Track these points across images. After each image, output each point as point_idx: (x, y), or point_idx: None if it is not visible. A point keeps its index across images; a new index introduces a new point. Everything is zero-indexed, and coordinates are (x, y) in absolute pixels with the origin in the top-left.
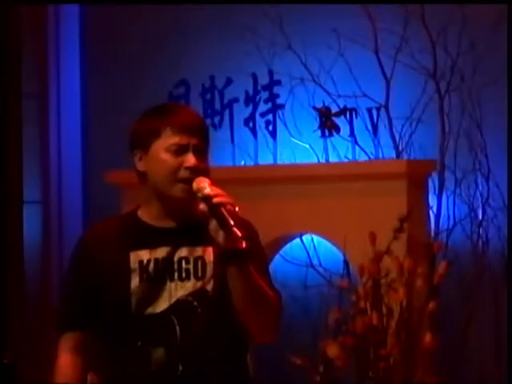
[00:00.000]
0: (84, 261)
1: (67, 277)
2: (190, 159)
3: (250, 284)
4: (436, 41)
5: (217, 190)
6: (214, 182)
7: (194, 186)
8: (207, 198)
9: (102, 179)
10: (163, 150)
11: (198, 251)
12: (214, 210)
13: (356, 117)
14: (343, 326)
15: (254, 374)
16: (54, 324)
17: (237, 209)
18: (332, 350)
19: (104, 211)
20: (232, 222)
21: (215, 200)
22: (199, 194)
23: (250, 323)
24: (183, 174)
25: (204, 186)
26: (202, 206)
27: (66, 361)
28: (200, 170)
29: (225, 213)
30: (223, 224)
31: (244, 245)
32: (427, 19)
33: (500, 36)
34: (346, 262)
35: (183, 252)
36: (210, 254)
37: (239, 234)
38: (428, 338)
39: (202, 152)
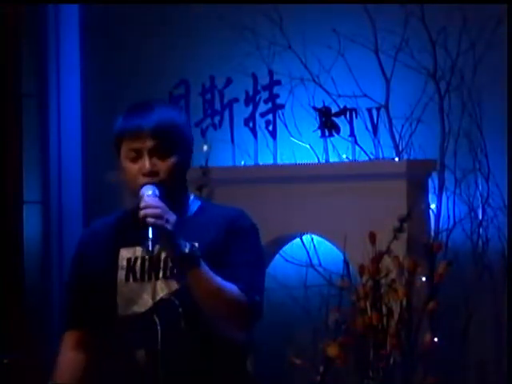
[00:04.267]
0: (80, 259)
1: (69, 275)
2: (145, 164)
3: (198, 286)
4: (436, 41)
5: (149, 202)
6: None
7: (140, 193)
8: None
9: (102, 179)
10: (124, 158)
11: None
12: (142, 221)
13: (356, 117)
14: (343, 326)
15: (253, 374)
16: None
17: (162, 223)
18: (332, 350)
19: (104, 211)
20: (150, 235)
21: (140, 213)
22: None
23: (213, 321)
24: (141, 180)
25: (142, 195)
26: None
27: (66, 358)
28: (159, 173)
29: (148, 225)
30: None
31: (172, 255)
32: (427, 19)
33: (500, 36)
34: (346, 262)
35: None
36: None
37: (150, 248)
38: (428, 338)
39: (161, 153)
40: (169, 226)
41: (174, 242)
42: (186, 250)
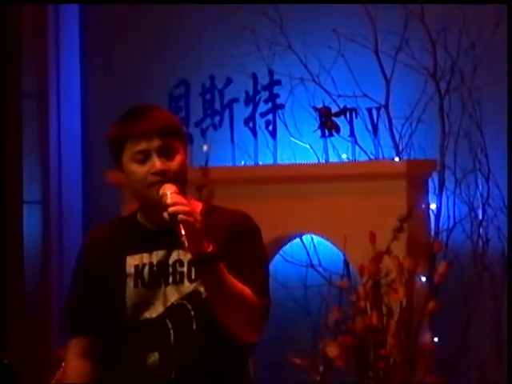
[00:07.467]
0: (84, 266)
1: (71, 281)
2: (155, 164)
3: (218, 288)
4: (436, 41)
5: (176, 199)
6: (179, 190)
7: (160, 192)
8: (166, 207)
9: (102, 179)
10: (129, 161)
11: None
12: (171, 218)
13: (356, 117)
14: (343, 326)
15: (253, 374)
16: (62, 327)
17: (192, 220)
18: (332, 350)
19: (104, 211)
20: (183, 232)
21: (170, 209)
22: (163, 202)
23: (227, 324)
24: (151, 179)
25: (166, 193)
26: (165, 214)
27: (73, 366)
28: (169, 171)
29: (179, 223)
30: (177, 233)
31: (196, 255)
32: (427, 19)
33: (500, 36)
34: (346, 262)
35: (178, 254)
36: None
37: (186, 244)
38: (428, 338)
39: (169, 152)
40: (197, 224)
41: (200, 240)
42: (209, 250)
